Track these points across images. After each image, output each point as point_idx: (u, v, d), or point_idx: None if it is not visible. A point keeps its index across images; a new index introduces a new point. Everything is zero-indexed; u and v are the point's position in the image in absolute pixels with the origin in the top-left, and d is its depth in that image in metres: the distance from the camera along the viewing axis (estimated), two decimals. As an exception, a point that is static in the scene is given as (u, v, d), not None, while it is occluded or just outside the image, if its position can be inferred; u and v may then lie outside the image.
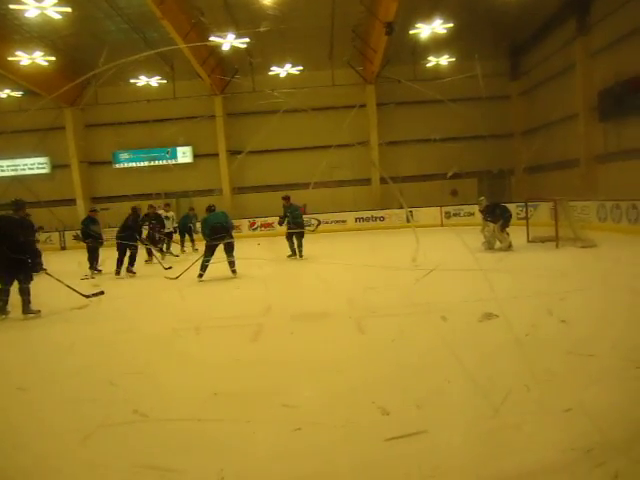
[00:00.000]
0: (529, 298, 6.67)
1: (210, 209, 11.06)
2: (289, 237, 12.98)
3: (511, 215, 12.12)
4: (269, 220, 22.02)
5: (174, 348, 5.57)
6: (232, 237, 10.38)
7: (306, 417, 3.48)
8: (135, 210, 12.44)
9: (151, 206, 15.13)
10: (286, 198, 13.10)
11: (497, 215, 11.90)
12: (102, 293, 8.19)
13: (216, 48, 20.72)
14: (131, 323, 6.83)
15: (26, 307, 7.42)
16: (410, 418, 3.39)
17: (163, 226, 15.02)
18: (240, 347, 5.45)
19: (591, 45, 18.22)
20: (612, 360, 4.15)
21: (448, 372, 4.12)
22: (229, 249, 10.30)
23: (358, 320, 6.16)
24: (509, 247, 11.81)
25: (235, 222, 22.23)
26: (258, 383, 4.25)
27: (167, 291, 9.07)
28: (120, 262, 11.70)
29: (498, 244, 11.99)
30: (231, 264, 10.32)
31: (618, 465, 2.71)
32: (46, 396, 4.24)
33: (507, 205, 12.80)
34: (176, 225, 16.14)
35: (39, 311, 7.54)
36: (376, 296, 7.55)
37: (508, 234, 12.00)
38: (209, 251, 10.05)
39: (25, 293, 7.39)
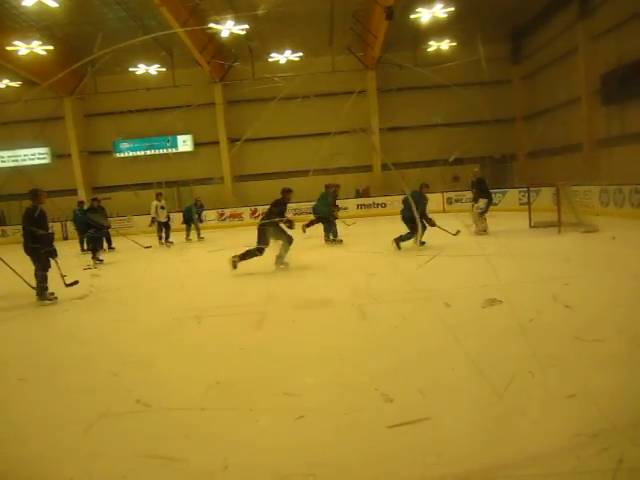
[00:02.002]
0: (532, 283, 6.64)
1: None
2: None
3: (492, 200, 12.58)
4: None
5: (176, 337, 5.56)
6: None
7: (309, 405, 3.46)
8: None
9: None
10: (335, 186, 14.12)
11: (484, 191, 12.21)
12: (77, 282, 8.23)
13: (215, 35, 20.52)
14: (132, 313, 6.83)
15: (39, 293, 7.62)
16: (413, 405, 3.37)
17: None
18: (242, 336, 5.43)
19: (594, 28, 18.01)
20: (618, 345, 4.13)
21: (451, 359, 4.10)
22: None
23: (360, 307, 6.13)
24: (484, 231, 12.17)
25: (237, 210, 22.38)
26: (261, 371, 4.24)
27: (168, 280, 9.05)
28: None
29: (474, 227, 12.31)
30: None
31: (623, 449, 2.69)
32: (48, 387, 4.24)
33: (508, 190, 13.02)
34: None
35: (55, 298, 7.69)
36: (378, 283, 7.52)
37: (485, 219, 12.30)
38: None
39: (37, 279, 7.61)
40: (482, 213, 12.32)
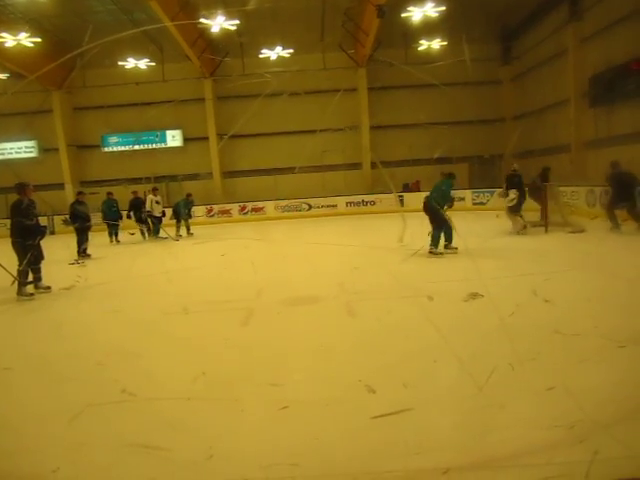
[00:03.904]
0: (513, 278, 6.72)
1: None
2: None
3: (524, 197, 11.93)
4: (259, 204, 22.00)
5: (162, 330, 5.57)
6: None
7: (293, 396, 3.51)
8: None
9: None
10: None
11: (515, 183, 11.74)
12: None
13: (205, 30, 20.42)
14: (119, 305, 6.82)
15: (17, 288, 7.61)
16: (396, 397, 3.42)
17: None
18: (228, 329, 5.46)
19: (583, 31, 18.17)
20: (594, 339, 4.21)
21: (434, 352, 4.16)
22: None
23: (345, 302, 6.19)
24: (522, 230, 11.64)
25: (226, 206, 22.33)
26: (246, 364, 4.28)
27: (156, 275, 9.03)
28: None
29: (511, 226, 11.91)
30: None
31: (598, 441, 2.76)
32: (33, 377, 4.24)
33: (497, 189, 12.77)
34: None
35: (32, 294, 7.68)
36: (363, 277, 7.58)
37: (522, 216, 11.87)
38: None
39: (18, 274, 7.60)
40: (513, 209, 11.81)
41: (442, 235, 9.16)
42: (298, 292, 7.09)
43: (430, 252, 8.98)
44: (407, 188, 22.64)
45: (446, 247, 9.25)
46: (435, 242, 9.04)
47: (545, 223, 11.99)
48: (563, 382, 3.36)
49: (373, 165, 23.55)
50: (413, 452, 2.83)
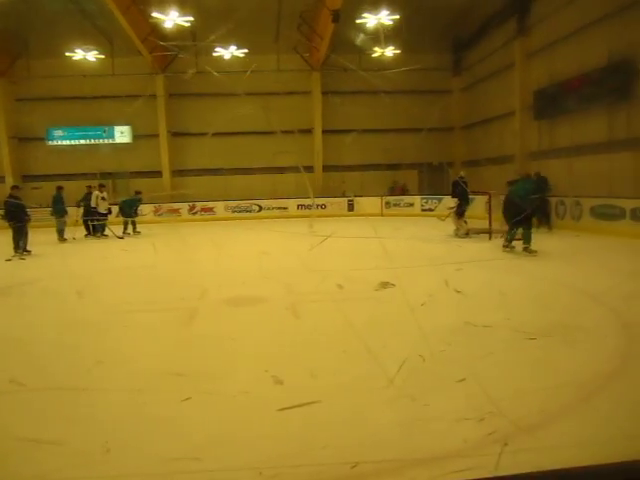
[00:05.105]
0: (426, 267, 6.80)
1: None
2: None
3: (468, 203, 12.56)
4: (209, 204, 21.69)
5: (68, 317, 5.26)
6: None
7: (197, 386, 3.39)
8: None
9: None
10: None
11: (456, 193, 12.31)
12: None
13: (158, 25, 19.98)
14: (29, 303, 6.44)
15: None
16: (304, 388, 3.36)
17: None
18: (134, 319, 5.24)
19: (529, 46, 18.78)
20: (505, 331, 4.27)
21: (343, 342, 4.11)
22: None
23: (254, 288, 6.10)
24: (465, 235, 12.21)
25: (174, 205, 21.89)
26: (149, 350, 4.10)
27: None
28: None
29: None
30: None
31: (508, 433, 2.78)
32: None
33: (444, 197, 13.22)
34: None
35: None
36: (271, 262, 7.54)
37: (466, 222, 12.40)
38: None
39: None
40: (457, 214, 12.39)
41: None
42: (197, 280, 6.94)
43: (504, 246, 9.68)
44: (393, 191, 22.89)
45: (525, 249, 9.39)
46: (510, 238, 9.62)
47: (489, 230, 12.28)
48: (474, 374, 3.38)
49: (325, 169, 23.61)
50: (321, 445, 2.77)
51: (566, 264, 8.38)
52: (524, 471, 1.08)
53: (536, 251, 9.22)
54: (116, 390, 3.34)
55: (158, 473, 2.57)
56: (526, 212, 9.04)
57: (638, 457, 1.09)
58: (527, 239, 9.44)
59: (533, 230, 9.83)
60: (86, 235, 15.05)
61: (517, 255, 9.14)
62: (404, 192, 22.66)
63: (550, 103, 17.29)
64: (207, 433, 2.88)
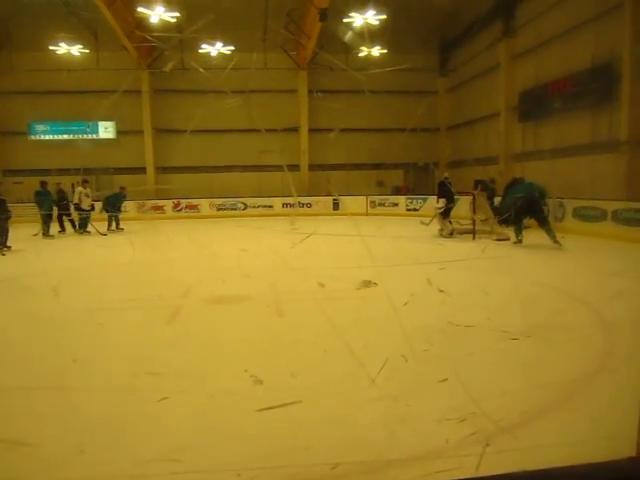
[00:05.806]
0: (409, 266, 6.79)
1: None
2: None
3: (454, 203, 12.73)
4: (194, 202, 21.53)
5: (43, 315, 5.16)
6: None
7: (173, 386, 3.32)
8: None
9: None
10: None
11: (440, 194, 12.50)
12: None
13: (144, 20, 19.77)
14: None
15: None
16: (284, 388, 3.31)
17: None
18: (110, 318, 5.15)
19: (515, 48, 18.92)
20: (487, 331, 4.26)
21: (325, 341, 4.07)
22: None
23: (235, 286, 6.04)
24: (450, 234, 12.39)
25: (159, 202, 21.67)
26: (123, 350, 4.01)
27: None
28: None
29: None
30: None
31: (489, 434, 2.75)
32: None
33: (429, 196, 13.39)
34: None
35: None
36: (254, 260, 7.49)
37: (451, 222, 12.58)
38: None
39: None
40: (443, 214, 12.54)
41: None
42: (178, 278, 6.87)
43: (515, 243, 10.51)
44: (396, 191, 23.11)
45: (555, 242, 9.91)
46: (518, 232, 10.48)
47: (473, 230, 12.34)
48: (456, 374, 3.36)
49: (311, 167, 23.57)
50: (301, 446, 2.72)
51: (549, 264, 8.45)
52: (506, 471, 1.06)
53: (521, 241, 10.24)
54: (91, 389, 3.26)
55: (134, 475, 2.51)
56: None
57: (620, 456, 1.08)
58: (553, 233, 10.01)
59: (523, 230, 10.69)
60: (60, 231, 14.73)
61: (501, 255, 9.18)
62: (409, 192, 22.87)
63: (535, 105, 17.45)
64: (185, 434, 2.82)
